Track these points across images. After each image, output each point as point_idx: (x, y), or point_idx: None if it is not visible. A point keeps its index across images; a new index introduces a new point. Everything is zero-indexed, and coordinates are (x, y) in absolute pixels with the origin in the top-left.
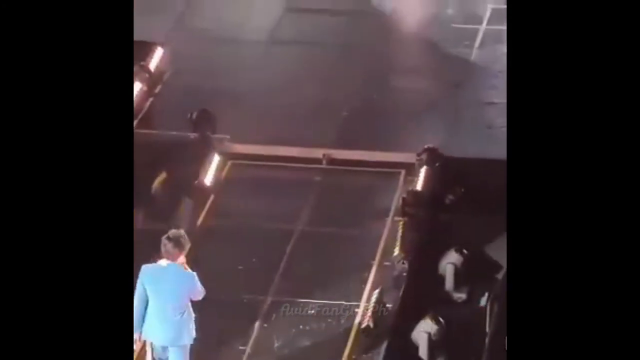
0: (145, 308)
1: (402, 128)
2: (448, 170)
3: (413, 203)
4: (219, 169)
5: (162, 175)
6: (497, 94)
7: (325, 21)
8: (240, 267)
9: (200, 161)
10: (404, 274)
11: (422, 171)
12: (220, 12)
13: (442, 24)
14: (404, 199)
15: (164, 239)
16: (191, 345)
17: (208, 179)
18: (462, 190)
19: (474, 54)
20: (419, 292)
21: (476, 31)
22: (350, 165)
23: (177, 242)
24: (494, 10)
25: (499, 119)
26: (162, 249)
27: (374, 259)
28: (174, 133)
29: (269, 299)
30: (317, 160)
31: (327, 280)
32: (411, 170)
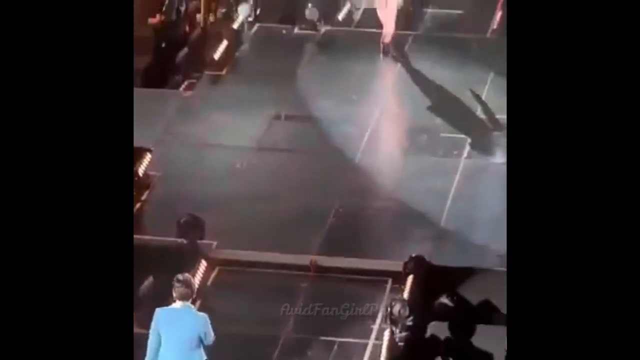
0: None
1: (388, 236)
2: (435, 279)
3: (399, 311)
4: (206, 274)
5: (149, 280)
6: (485, 203)
7: (313, 129)
8: None
9: (188, 267)
10: None
11: (409, 279)
12: (209, 119)
13: (431, 133)
14: (390, 307)
15: (175, 282)
16: None
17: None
18: (449, 299)
19: (462, 164)
20: None
21: (464, 141)
22: (337, 272)
23: (188, 284)
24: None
25: (487, 229)
26: (175, 292)
27: None
28: (161, 239)
29: None
30: (304, 267)
31: None
32: (398, 278)
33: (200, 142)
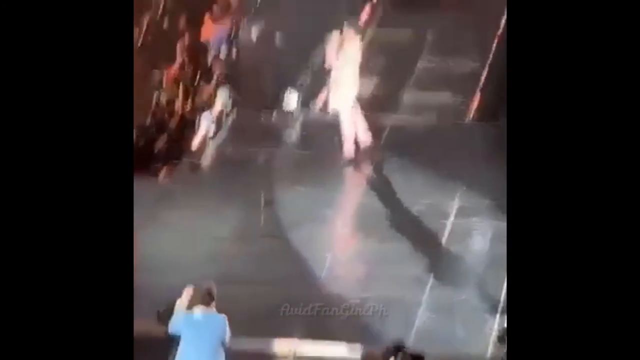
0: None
1: (368, 323)
2: None
3: None
4: None
5: None
6: (465, 290)
7: (292, 214)
8: None
9: (169, 357)
10: None
11: None
12: (188, 206)
13: (409, 223)
14: None
15: (196, 288)
16: None
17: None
18: None
19: (441, 250)
20: None
21: (444, 226)
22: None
23: (210, 290)
24: (460, 207)
25: (467, 315)
26: (196, 296)
27: None
28: (142, 329)
29: None
30: (284, 354)
31: None
32: None
33: (179, 229)
